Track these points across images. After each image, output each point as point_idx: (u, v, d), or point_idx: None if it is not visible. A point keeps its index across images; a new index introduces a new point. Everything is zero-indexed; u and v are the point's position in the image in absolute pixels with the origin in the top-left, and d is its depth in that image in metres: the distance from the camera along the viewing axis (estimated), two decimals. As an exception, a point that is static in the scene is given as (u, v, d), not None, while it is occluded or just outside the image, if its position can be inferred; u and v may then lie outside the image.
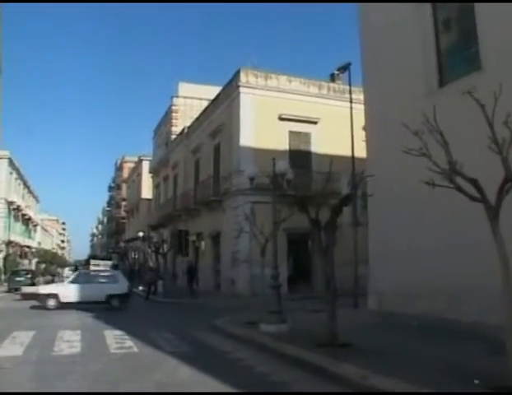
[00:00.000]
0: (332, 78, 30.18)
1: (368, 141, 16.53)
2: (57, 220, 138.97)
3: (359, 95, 29.55)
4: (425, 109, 12.76)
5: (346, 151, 26.48)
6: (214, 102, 30.82)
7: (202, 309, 19.21)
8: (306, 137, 27.18)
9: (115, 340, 10.39)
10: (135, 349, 9.36)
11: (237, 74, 26.45)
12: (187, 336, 11.32)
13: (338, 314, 14.41)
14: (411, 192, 13.04)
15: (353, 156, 18.88)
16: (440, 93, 13.47)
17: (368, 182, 15.97)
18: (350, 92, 19.20)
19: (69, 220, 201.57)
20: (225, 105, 28.31)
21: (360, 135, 28.85)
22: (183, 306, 20.57)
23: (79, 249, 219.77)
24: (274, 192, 12.12)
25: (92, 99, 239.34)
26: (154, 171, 49.20)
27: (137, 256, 54.18)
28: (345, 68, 18.91)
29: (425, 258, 13.17)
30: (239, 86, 26.00)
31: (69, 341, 10.15)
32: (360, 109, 28.47)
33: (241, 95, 25.94)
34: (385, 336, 10.14)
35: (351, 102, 19.11)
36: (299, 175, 26.32)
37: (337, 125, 25.66)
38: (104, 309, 18.01)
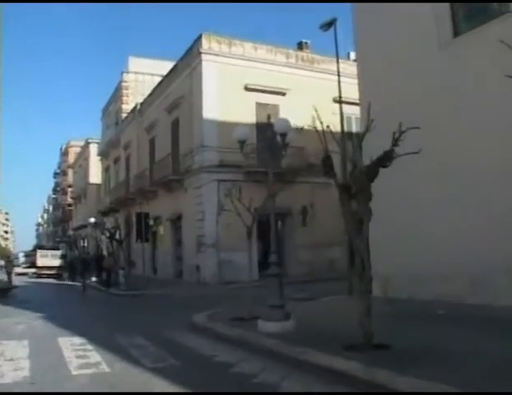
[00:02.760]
0: (300, 46, 28.15)
1: (363, 103, 14.45)
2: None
3: (329, 65, 27.73)
4: (439, 61, 10.72)
5: (315, 124, 24.57)
6: (171, 74, 28.13)
7: (170, 302, 16.92)
8: (274, 108, 24.91)
9: (76, 353, 7.94)
10: (104, 366, 6.97)
11: (198, 40, 23.91)
12: (164, 341, 9.02)
13: (333, 302, 12.58)
14: (421, 159, 11.21)
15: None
16: (455, 43, 11.58)
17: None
18: (336, 51, 17.00)
19: (12, 210, 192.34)
20: (184, 76, 25.71)
21: (331, 107, 27.24)
22: (147, 298, 18.17)
23: (24, 240, 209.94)
24: (269, 163, 9.90)
25: (33, 79, 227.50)
26: (103, 153, 45.88)
27: (86, 244, 50.83)
28: (329, 25, 16.71)
29: (439, 237, 11.37)
30: (201, 53, 23.49)
31: (13, 358, 7.60)
32: (330, 80, 26.86)
33: (203, 63, 23.46)
34: (418, 331, 8.18)
35: (337, 62, 16.88)
36: (269, 150, 24.30)
37: (306, 96, 23.68)
38: (57, 304, 15.46)
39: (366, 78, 14.37)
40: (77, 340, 9.20)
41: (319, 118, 7.57)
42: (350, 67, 28.41)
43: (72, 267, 25.61)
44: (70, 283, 29.94)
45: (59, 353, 8.01)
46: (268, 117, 10.14)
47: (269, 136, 10.37)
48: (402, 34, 13.00)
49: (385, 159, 6.92)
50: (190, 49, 24.99)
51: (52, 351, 8.22)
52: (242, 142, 10.08)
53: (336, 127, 21.72)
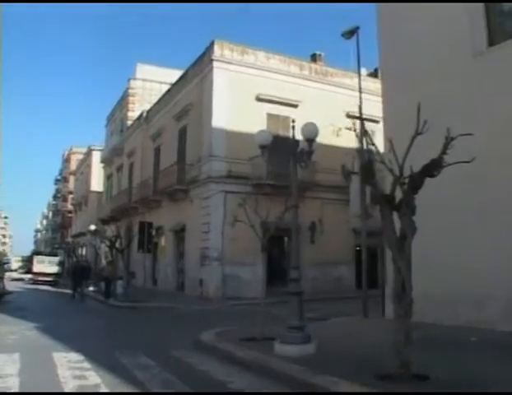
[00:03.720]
0: (314, 58, 27.54)
1: (386, 112, 13.66)
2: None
3: (342, 78, 27.21)
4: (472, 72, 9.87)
5: (327, 140, 23.89)
6: (180, 81, 27.47)
7: (173, 316, 16.00)
8: (286, 120, 24.17)
9: (72, 372, 7.04)
10: (104, 390, 6.10)
11: (210, 47, 23.26)
12: (171, 362, 8.15)
13: (349, 324, 11.68)
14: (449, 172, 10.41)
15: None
16: (491, 52, 10.82)
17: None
18: (358, 61, 16.25)
19: (12, 215, 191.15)
20: (194, 83, 25.03)
21: (344, 122, 26.53)
22: (148, 311, 17.23)
23: (22, 245, 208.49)
24: (293, 168, 9.05)
25: (35, 84, 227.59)
26: (106, 161, 45.11)
27: (85, 252, 49.92)
28: (351, 33, 16.01)
29: (468, 258, 10.51)
30: (212, 60, 22.81)
31: (1, 376, 6.73)
32: (343, 94, 26.26)
33: (215, 70, 22.76)
34: (453, 360, 7.31)
35: (359, 72, 16.17)
36: (278, 163, 23.53)
37: (318, 109, 23.00)
38: (53, 313, 14.57)
39: (391, 88, 13.56)
40: (74, 356, 8.29)
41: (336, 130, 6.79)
42: (363, 82, 27.80)
43: (75, 275, 24.56)
44: (67, 291, 29.02)
45: (53, 371, 7.11)
46: (293, 123, 9.22)
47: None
48: (430, 42, 12.28)
49: (432, 167, 6.10)
50: (201, 56, 24.34)
51: (45, 368, 7.33)
52: (263, 147, 9.21)
53: (348, 142, 21.06)
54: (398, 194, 6.27)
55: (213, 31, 63.18)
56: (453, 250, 10.87)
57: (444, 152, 5.93)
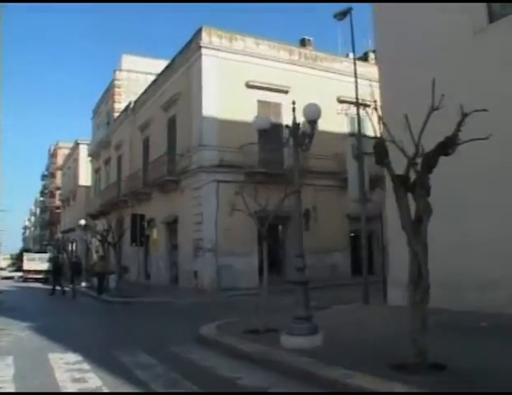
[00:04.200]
0: (303, 43, 27.11)
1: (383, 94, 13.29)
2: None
3: (332, 63, 26.80)
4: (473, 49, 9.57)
5: (319, 125, 23.45)
6: (167, 70, 26.91)
7: (169, 310, 15.62)
8: (276, 107, 23.83)
9: (70, 374, 6.65)
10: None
11: (198, 33, 22.71)
12: (173, 358, 7.79)
13: (351, 312, 11.39)
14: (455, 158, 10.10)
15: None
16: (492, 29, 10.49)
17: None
18: (352, 43, 15.85)
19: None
20: (181, 71, 24.49)
21: (335, 107, 26.16)
22: (143, 306, 16.81)
23: (10, 243, 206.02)
24: (295, 151, 8.65)
25: (19, 79, 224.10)
26: (93, 154, 44.41)
27: (75, 247, 49.30)
28: (344, 14, 15.59)
29: (474, 240, 10.24)
30: (200, 47, 22.29)
31: (-6, 382, 6.34)
32: (333, 79, 25.89)
33: (203, 57, 22.26)
34: (467, 347, 7.05)
35: (354, 55, 15.75)
36: (269, 151, 23.17)
37: (309, 95, 22.46)
38: (46, 312, 14.12)
39: (388, 71, 13.21)
40: (71, 357, 7.90)
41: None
42: (353, 66, 27.45)
43: (57, 270, 23.96)
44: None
45: (51, 374, 6.71)
46: (293, 105, 8.77)
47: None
48: (428, 22, 11.92)
49: (447, 145, 5.76)
50: (189, 44, 23.79)
51: (42, 372, 6.93)
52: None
53: (340, 126, 20.60)
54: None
55: (198, 20, 61.83)
56: (459, 232, 10.59)
57: (458, 129, 5.59)
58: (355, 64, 16.03)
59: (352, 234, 25.70)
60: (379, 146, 5.86)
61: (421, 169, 5.79)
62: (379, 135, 6.21)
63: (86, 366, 7.18)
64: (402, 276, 11.99)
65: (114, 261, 26.57)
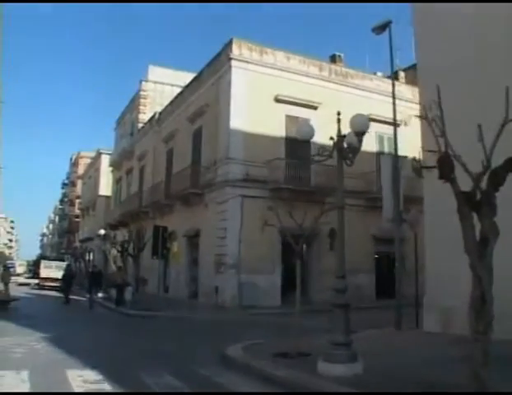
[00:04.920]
0: (333, 59, 26.62)
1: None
2: (5, 219, 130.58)
3: (362, 80, 26.32)
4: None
5: (347, 143, 22.87)
6: (194, 81, 26.62)
7: (191, 326, 15.02)
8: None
9: (91, 395, 6.09)
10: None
11: (228, 45, 22.37)
12: (201, 382, 7.20)
13: (385, 337, 10.68)
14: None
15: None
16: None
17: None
18: (391, 57, 15.25)
19: (18, 219, 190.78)
20: (210, 83, 24.14)
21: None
22: (163, 321, 16.16)
23: (28, 250, 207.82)
24: (339, 165, 8.05)
25: (45, 87, 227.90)
26: (115, 164, 44.25)
27: (92, 257, 49.04)
28: (383, 28, 15.07)
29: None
30: (230, 59, 21.91)
31: (9, 401, 5.79)
32: (363, 96, 25.33)
33: (233, 70, 21.88)
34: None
35: (392, 69, 15.23)
36: (296, 167, 22.62)
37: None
38: (63, 322, 13.60)
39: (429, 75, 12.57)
40: (91, 374, 7.32)
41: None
42: (383, 84, 26.94)
43: (68, 279, 23.54)
44: (75, 298, 28.12)
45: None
46: (338, 115, 8.18)
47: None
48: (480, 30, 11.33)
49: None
50: (218, 55, 23.47)
51: (59, 390, 6.36)
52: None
53: (368, 145, 19.75)
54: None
55: (227, 33, 61.71)
56: (501, 258, 9.84)
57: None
58: (393, 78, 15.52)
59: (377, 256, 24.96)
60: (444, 160, 5.24)
61: (487, 186, 5.16)
62: (436, 149, 5.61)
63: (107, 386, 6.61)
64: (441, 301, 11.36)
65: (131, 272, 26.13)
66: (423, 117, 5.68)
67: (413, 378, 6.80)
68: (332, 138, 8.12)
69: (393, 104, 14.89)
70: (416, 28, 13.61)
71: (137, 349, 10.39)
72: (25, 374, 7.18)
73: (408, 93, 26.71)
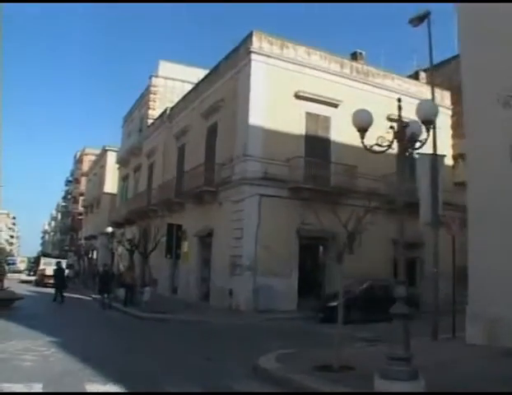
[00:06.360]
0: (354, 57, 25.67)
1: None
2: (7, 214, 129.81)
3: (383, 79, 25.35)
4: None
5: (368, 143, 21.84)
6: (210, 75, 25.68)
7: (209, 332, 14.10)
8: (325, 121, 22.42)
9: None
10: None
11: (248, 38, 21.41)
12: None
13: (426, 350, 9.75)
14: None
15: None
16: None
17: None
18: (430, 51, 14.18)
19: (20, 216, 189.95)
20: (227, 77, 23.17)
21: (384, 125, 24.61)
22: (179, 325, 15.13)
23: (29, 246, 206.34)
24: (401, 156, 7.07)
25: (47, 83, 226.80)
26: (122, 161, 43.28)
27: (96, 255, 48.12)
28: (421, 19, 14.07)
29: None
30: (250, 52, 20.96)
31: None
32: (384, 96, 24.34)
33: (253, 63, 20.92)
34: None
35: (431, 62, 14.21)
36: (316, 166, 21.66)
37: (359, 111, 21.08)
38: (72, 324, 12.63)
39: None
40: (114, 390, 6.35)
41: None
42: (405, 84, 26.03)
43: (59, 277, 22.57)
44: (78, 296, 27.19)
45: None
46: (399, 102, 7.22)
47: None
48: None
49: None
50: (237, 48, 22.52)
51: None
52: (363, 131, 7.28)
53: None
54: None
55: (241, 30, 59.54)
56: None
57: None
58: (432, 74, 14.53)
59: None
60: None
61: None
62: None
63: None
64: (487, 311, 10.40)
65: (140, 272, 25.20)
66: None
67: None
68: (392, 127, 7.17)
69: (432, 99, 13.88)
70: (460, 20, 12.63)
71: (158, 358, 9.36)
72: (38, 388, 6.21)
73: (429, 94, 25.75)
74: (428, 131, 6.82)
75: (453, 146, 26.03)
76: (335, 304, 15.69)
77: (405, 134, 6.99)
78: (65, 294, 22.85)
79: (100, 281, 22.00)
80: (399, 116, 7.16)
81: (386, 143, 7.14)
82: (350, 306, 15.63)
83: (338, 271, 9.56)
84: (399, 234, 7.19)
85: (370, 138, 7.31)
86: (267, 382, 7.57)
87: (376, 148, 7.23)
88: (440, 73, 25.84)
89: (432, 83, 14.34)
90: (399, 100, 7.32)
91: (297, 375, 7.52)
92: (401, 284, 6.88)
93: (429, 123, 6.77)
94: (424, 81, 28.33)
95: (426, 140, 6.95)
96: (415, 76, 28.70)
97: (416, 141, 7.03)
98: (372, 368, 7.83)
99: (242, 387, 7.03)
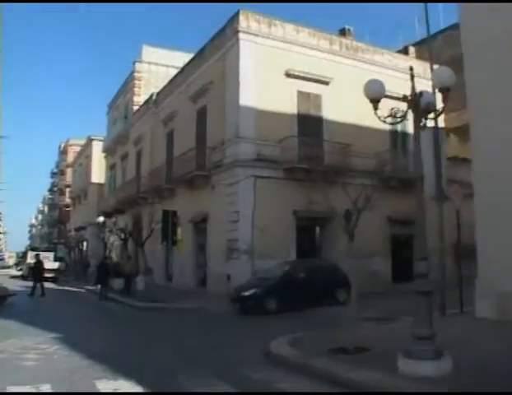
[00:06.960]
0: (343, 33, 25.22)
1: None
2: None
3: (373, 55, 24.96)
4: None
5: (360, 120, 21.58)
6: (196, 58, 25.04)
7: (210, 318, 13.87)
8: (317, 99, 22.00)
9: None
10: None
11: (235, 17, 20.81)
12: (258, 388, 5.94)
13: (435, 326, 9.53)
14: None
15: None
16: None
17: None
18: (427, 23, 13.82)
19: (5, 211, 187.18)
20: (214, 59, 22.60)
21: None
22: (178, 313, 14.93)
23: (17, 241, 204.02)
24: (416, 131, 6.74)
25: (26, 73, 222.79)
26: (108, 150, 42.52)
27: (86, 247, 47.51)
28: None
29: None
30: (238, 32, 20.38)
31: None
32: (374, 71, 23.90)
33: (241, 43, 20.35)
34: None
35: (428, 36, 13.86)
36: (309, 145, 21.32)
37: (349, 88, 20.72)
38: (71, 318, 12.24)
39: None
40: (127, 386, 6.02)
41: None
42: (394, 60, 25.66)
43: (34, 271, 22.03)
44: (71, 289, 26.74)
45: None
46: (411, 71, 6.89)
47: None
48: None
49: None
50: (223, 29, 21.93)
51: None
52: (376, 102, 6.94)
53: (381, 123, 18.02)
54: None
55: (225, 13, 57.22)
56: None
57: None
58: (430, 47, 14.04)
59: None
60: None
61: None
62: None
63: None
64: (497, 285, 10.22)
65: (133, 261, 24.78)
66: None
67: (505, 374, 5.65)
68: (405, 97, 6.84)
69: (431, 68, 13.53)
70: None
71: (165, 350, 9.03)
72: (47, 389, 5.84)
73: (419, 68, 25.42)
74: (445, 99, 6.47)
75: (446, 121, 25.83)
76: (248, 293, 15.09)
77: (420, 104, 6.66)
78: (58, 287, 22.41)
79: (98, 271, 21.58)
80: (412, 87, 6.81)
81: (400, 114, 6.80)
82: (267, 295, 14.82)
83: (349, 248, 9.18)
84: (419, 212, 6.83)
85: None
86: (282, 367, 7.30)
87: (389, 120, 6.87)
88: (428, 48, 25.55)
89: (431, 57, 14.03)
90: (411, 69, 6.97)
91: (314, 360, 7.23)
92: (423, 260, 6.58)
93: (446, 90, 6.42)
94: (413, 55, 28.04)
95: (443, 108, 6.61)
96: (404, 51, 28.38)
97: (431, 111, 6.72)
98: (385, 348, 7.63)
99: (255, 374, 6.74)
